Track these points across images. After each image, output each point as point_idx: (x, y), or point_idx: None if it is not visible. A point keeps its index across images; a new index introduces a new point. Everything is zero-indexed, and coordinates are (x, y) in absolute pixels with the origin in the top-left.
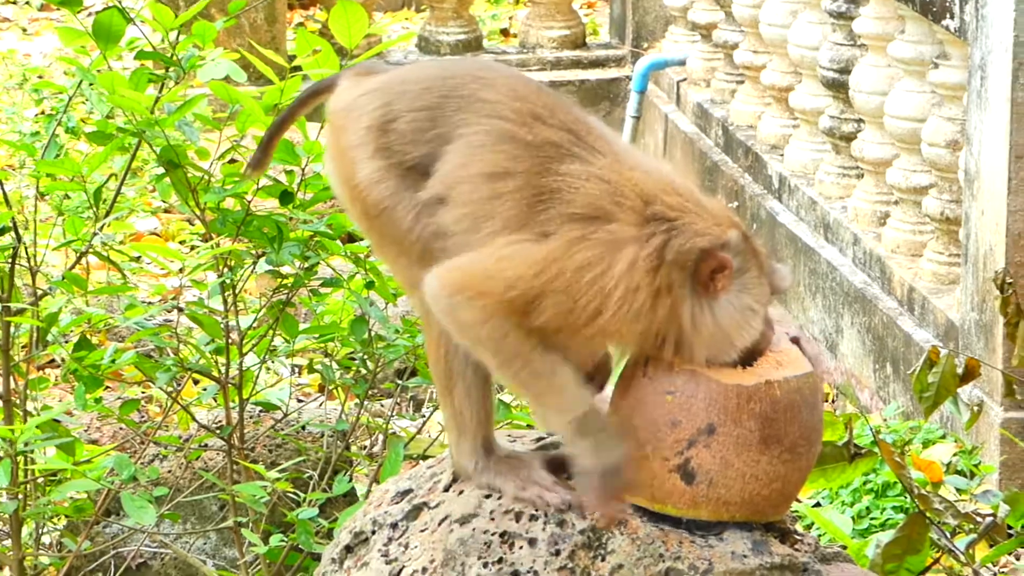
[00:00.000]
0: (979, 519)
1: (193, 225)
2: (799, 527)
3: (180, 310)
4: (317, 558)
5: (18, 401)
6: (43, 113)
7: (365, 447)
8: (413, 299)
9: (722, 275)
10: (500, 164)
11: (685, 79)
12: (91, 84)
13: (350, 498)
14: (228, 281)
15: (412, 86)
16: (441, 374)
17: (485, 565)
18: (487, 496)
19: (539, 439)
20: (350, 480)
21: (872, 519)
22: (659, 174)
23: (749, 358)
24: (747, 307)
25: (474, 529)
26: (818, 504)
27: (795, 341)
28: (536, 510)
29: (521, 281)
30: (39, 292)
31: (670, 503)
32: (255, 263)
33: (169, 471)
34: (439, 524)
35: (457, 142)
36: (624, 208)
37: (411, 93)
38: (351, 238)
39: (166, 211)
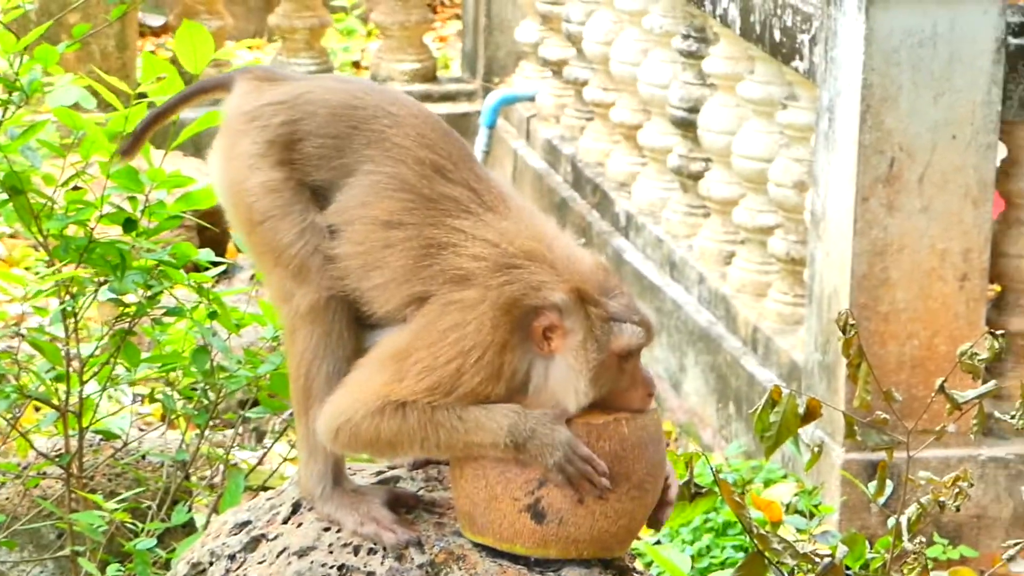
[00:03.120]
0: (817, 559)
1: (39, 251)
2: (639, 565)
3: (21, 336)
4: None
5: None
6: None
7: (205, 478)
8: (281, 312)
9: (554, 335)
10: (396, 213)
11: (535, 115)
12: None
13: (189, 529)
14: (70, 308)
15: (321, 108)
16: (300, 395)
17: None
18: (326, 529)
19: (379, 472)
20: (189, 510)
21: (712, 558)
22: (534, 225)
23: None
24: (571, 368)
25: (312, 562)
26: (658, 542)
27: None
28: (375, 545)
29: (396, 375)
30: None
31: (519, 543)
32: (97, 290)
33: (7, 498)
34: (277, 556)
35: (360, 177)
36: (486, 264)
37: (320, 117)
38: (195, 267)
39: (11, 236)
